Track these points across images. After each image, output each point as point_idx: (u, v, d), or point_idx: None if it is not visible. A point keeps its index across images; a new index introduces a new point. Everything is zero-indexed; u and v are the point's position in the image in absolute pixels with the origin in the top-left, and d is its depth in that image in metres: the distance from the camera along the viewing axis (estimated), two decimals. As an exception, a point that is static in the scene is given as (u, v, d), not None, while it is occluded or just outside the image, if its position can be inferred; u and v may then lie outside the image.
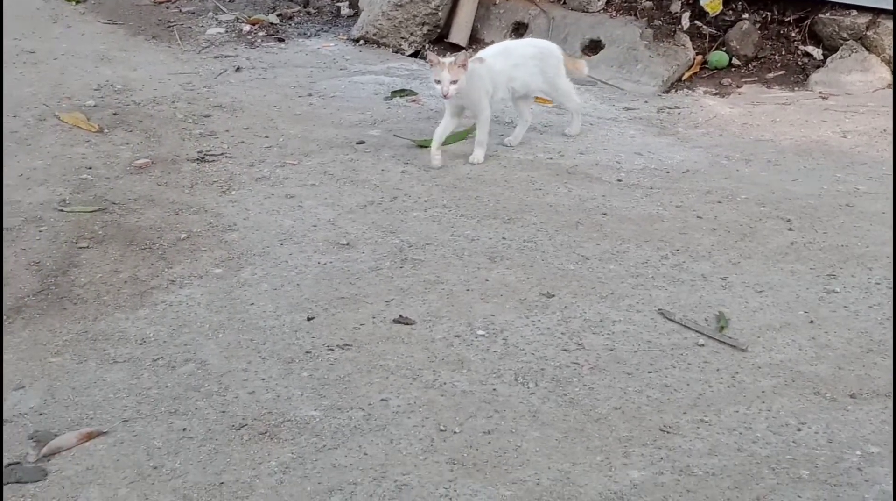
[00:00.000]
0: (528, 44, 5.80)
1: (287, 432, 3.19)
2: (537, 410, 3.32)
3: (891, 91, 6.82)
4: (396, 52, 7.91)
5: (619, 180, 5.31)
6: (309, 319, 3.85)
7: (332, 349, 3.65)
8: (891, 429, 3.21)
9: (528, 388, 3.44)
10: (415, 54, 7.89)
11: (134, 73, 7.08)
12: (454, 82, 5.01)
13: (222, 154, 5.57)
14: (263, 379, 3.47)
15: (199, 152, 5.59)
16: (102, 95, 6.54)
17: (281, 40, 8.12)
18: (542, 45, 5.74)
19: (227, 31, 8.29)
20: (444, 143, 5.61)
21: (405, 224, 4.70)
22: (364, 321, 3.85)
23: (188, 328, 3.79)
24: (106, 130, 5.89)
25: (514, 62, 5.46)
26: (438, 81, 5.04)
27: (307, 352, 3.63)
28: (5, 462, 3.04)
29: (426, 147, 5.62)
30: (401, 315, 3.88)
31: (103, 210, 4.79)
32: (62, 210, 4.75)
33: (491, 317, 3.88)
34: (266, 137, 5.88)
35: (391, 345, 3.69)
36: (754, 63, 7.48)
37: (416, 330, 3.79)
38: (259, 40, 8.10)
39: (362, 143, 5.77)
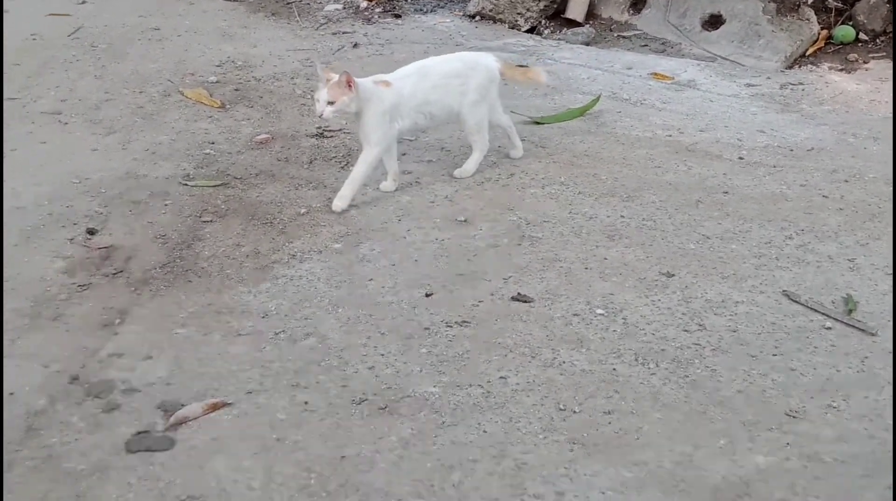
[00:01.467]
0: (454, 58, 4.86)
1: (407, 408, 3.21)
2: (658, 391, 3.28)
3: None
4: (512, 28, 7.87)
5: (741, 158, 5.20)
6: (427, 295, 3.86)
7: (451, 326, 3.66)
8: None
9: (649, 368, 3.40)
10: (531, 30, 7.83)
11: (254, 49, 7.18)
12: (331, 103, 4.33)
13: (340, 130, 5.61)
14: (383, 355, 3.49)
15: (317, 128, 5.64)
16: (224, 71, 6.65)
17: (397, 16, 8.14)
18: (470, 59, 4.82)
19: (344, 8, 8.35)
20: (558, 119, 5.57)
21: (523, 201, 4.67)
22: (482, 297, 3.85)
23: (309, 302, 3.83)
24: (228, 106, 5.99)
25: (432, 83, 4.64)
26: (317, 100, 4.42)
27: (426, 328, 3.65)
28: (135, 429, 3.12)
29: (542, 124, 5.59)
30: (519, 293, 3.86)
31: (226, 185, 4.87)
32: (186, 184, 4.85)
33: (610, 296, 3.85)
34: (384, 112, 5.89)
35: (509, 323, 3.68)
36: (882, 38, 7.24)
37: (535, 308, 3.77)
38: (376, 17, 8.14)
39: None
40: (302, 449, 3.02)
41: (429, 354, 3.49)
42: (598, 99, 5.95)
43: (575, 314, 3.73)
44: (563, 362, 3.44)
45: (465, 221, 4.47)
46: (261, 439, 3.07)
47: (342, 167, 5.08)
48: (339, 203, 4.52)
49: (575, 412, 3.18)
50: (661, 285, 3.92)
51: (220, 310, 3.80)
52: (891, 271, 3.99)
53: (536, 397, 3.25)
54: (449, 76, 4.67)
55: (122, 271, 4.10)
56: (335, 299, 3.85)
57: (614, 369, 3.40)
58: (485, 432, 3.09)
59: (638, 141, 5.44)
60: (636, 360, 3.45)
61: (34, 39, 7.30)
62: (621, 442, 3.04)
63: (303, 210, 4.60)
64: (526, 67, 5.17)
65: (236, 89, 6.29)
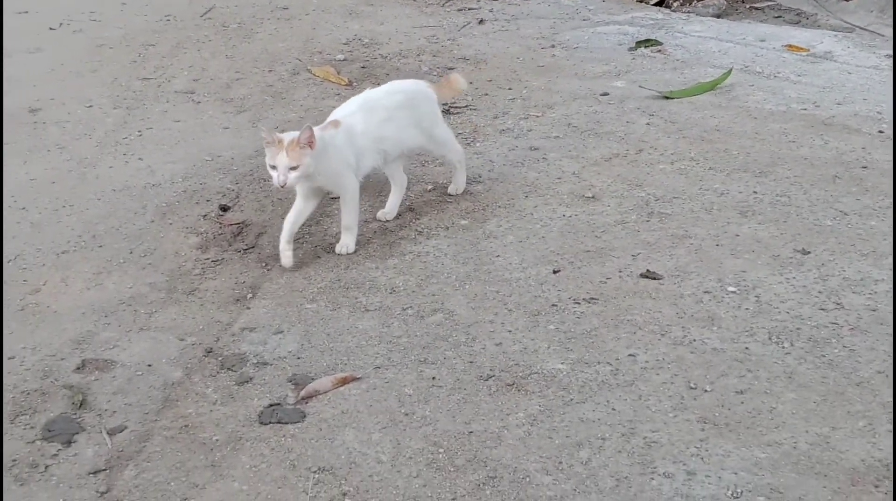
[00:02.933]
0: (392, 90, 4.32)
1: (534, 384, 3.19)
2: (793, 371, 3.19)
3: None
4: (640, 2, 7.77)
5: (881, 132, 5.01)
6: (554, 272, 3.83)
7: (579, 303, 3.62)
8: None
9: (783, 348, 3.31)
10: (659, 3, 7.71)
11: (381, 27, 7.22)
12: (294, 168, 3.73)
13: (466, 106, 5.61)
14: (510, 331, 3.48)
15: (443, 105, 5.60)
16: (351, 49, 6.72)
17: (523, -9, 8.10)
18: (409, 89, 4.36)
19: (469, -16, 8.33)
20: (687, 93, 5.46)
21: (651, 177, 4.59)
22: (610, 274, 3.80)
23: (436, 278, 3.84)
24: (355, 84, 6.04)
25: (381, 118, 4.14)
26: (273, 167, 3.75)
27: (553, 305, 3.62)
28: (267, 402, 3.17)
29: (672, 98, 5.49)
30: (648, 270, 3.80)
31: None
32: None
33: (742, 273, 3.75)
34: (509, 89, 5.88)
35: (638, 300, 3.63)
36: None
37: (664, 285, 3.71)
38: (501, -8, 8.10)
39: (606, 94, 5.68)
40: (430, 424, 3.03)
41: (556, 330, 3.46)
42: (729, 72, 5.81)
43: (706, 292, 3.65)
44: (694, 340, 3.37)
45: (592, 197, 4.41)
46: (389, 413, 3.09)
47: (468, 144, 5.07)
48: (347, 245, 4.08)
49: (706, 390, 3.11)
50: (795, 262, 3.81)
51: (348, 285, 3.83)
52: None
53: (666, 375, 3.20)
54: (395, 109, 4.18)
55: (253, 247, 4.18)
56: (462, 275, 3.85)
57: (747, 348, 3.32)
58: (613, 409, 3.05)
59: (771, 115, 5.29)
60: (770, 339, 3.36)
61: (168, 20, 7.49)
62: (754, 422, 2.97)
63: (429, 187, 4.61)
64: (445, 80, 4.65)
65: (363, 67, 6.34)
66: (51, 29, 7.38)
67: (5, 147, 5.24)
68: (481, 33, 7.02)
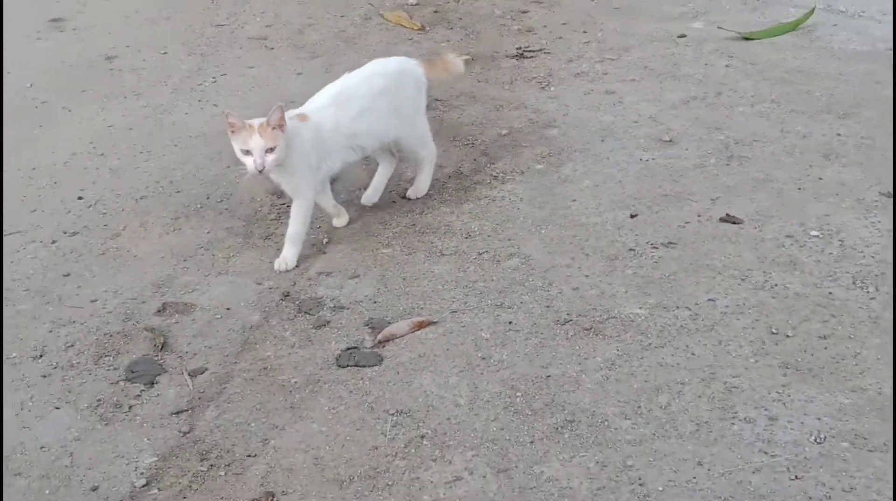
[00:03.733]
0: (372, 74, 3.86)
1: (612, 329, 3.16)
2: (878, 316, 3.12)
3: None
4: (718, -60, 7.53)
5: (970, 72, 4.85)
6: (632, 216, 3.78)
7: (657, 247, 3.57)
8: None
9: (868, 292, 3.24)
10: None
11: (452, -29, 7.13)
12: (270, 150, 3.43)
13: (541, 50, 5.54)
14: (587, 276, 3.45)
15: (517, 48, 5.58)
16: (423, -7, 6.65)
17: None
18: (392, 71, 3.90)
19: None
20: (768, 34, 5.32)
21: (731, 120, 4.50)
22: (689, 219, 3.74)
23: (511, 222, 3.82)
24: (427, 28, 5.99)
25: (358, 109, 3.73)
26: (247, 152, 3.45)
27: (630, 249, 3.58)
28: (344, 345, 3.19)
29: (752, 39, 5.36)
30: (728, 214, 3.74)
31: (427, 107, 4.87)
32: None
33: (825, 217, 3.67)
34: (584, 32, 5.79)
35: (718, 244, 3.57)
36: None
37: (744, 229, 3.64)
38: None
39: (684, 36, 5.56)
40: (507, 368, 3.02)
41: (634, 275, 3.43)
42: (812, 12, 5.64)
43: (788, 236, 3.58)
44: (776, 285, 3.31)
45: (670, 141, 4.34)
46: (466, 357, 3.09)
47: (542, 88, 5.02)
48: (283, 265, 3.67)
49: (788, 336, 3.06)
50: (881, 206, 3.72)
51: (423, 230, 3.82)
52: None
53: (747, 320, 3.15)
54: (375, 97, 3.78)
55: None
56: (538, 219, 3.82)
57: (830, 292, 3.25)
58: (693, 354, 3.01)
59: (855, 55, 5.15)
60: (854, 284, 3.29)
61: (240, -33, 7.47)
62: (838, 368, 2.91)
63: (504, 131, 4.57)
64: (440, 60, 4.18)
65: (435, 11, 6.28)
66: (125, -23, 7.41)
67: (85, 94, 5.30)
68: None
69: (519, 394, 2.90)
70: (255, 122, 3.44)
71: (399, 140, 3.93)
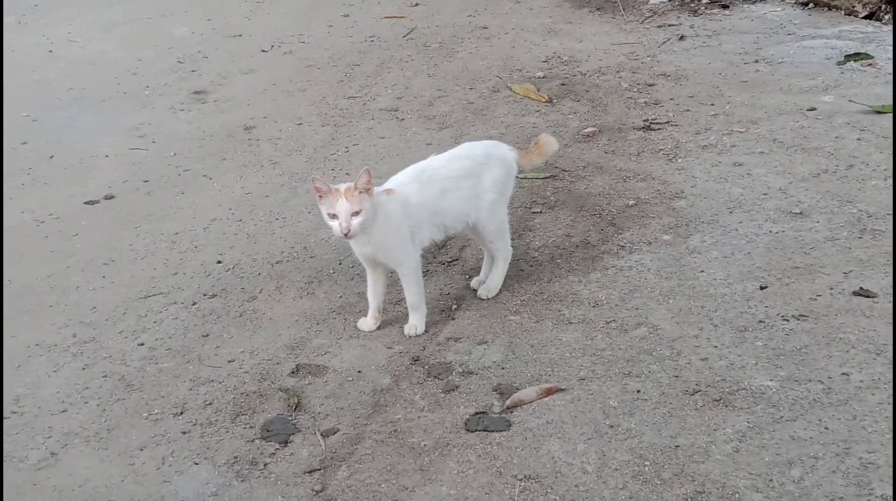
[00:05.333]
0: (457, 156, 3.84)
1: (742, 400, 3.14)
2: None
3: None
4: (849, 15, 7.48)
5: None
6: (762, 288, 3.76)
7: (787, 320, 3.54)
8: None
9: None
10: (869, 16, 7.41)
11: (579, 44, 7.24)
12: (356, 214, 3.43)
13: (668, 122, 5.57)
14: (716, 346, 3.44)
15: (644, 121, 5.62)
16: (550, 66, 6.76)
17: (725, 6, 7.96)
18: (479, 154, 3.85)
19: (669, 0, 8.26)
20: None
21: (863, 193, 4.45)
22: (821, 291, 3.70)
23: (639, 292, 3.83)
24: (554, 100, 6.09)
25: (440, 188, 3.71)
26: (333, 215, 3.46)
27: (760, 321, 3.55)
28: (473, 410, 3.24)
29: (884, 113, 5.30)
30: (861, 287, 3.68)
31: (554, 177, 4.95)
32: (517, 177, 4.96)
33: (963, 293, 3.60)
34: (711, 104, 5.80)
35: (851, 318, 3.52)
36: None
37: (879, 303, 3.59)
38: (702, 8, 7.99)
39: (813, 109, 5.52)
40: (635, 437, 3.02)
41: (764, 347, 3.40)
42: (946, 86, 5.56)
43: (924, 311, 3.52)
44: (912, 360, 3.25)
45: (800, 213, 4.31)
46: (594, 424, 3.10)
47: (669, 160, 5.04)
48: (413, 330, 3.74)
49: (926, 413, 3.00)
50: None
51: (550, 298, 3.87)
52: None
53: (883, 395, 3.09)
54: (457, 178, 3.75)
55: (456, 260, 4.27)
56: (665, 289, 3.83)
57: (971, 369, 3.18)
58: (826, 428, 2.97)
59: None
60: None
61: (372, 41, 7.72)
62: (979, 447, 2.84)
63: (631, 202, 4.60)
64: (535, 145, 4.07)
65: (563, 84, 6.37)
66: (263, 51, 7.72)
67: (224, 162, 5.53)
68: (682, 49, 6.94)
69: (647, 463, 2.90)
70: (342, 186, 3.45)
71: (477, 226, 3.84)
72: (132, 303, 4.11)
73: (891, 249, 3.94)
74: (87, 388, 3.54)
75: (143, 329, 3.90)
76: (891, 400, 3.06)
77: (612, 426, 3.08)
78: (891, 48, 6.49)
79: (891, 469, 2.78)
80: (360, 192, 3.44)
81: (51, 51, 8.07)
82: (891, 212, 4.23)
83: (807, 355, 3.33)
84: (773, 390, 3.17)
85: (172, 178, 5.40)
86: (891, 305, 3.57)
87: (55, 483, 3.06)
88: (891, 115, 5.32)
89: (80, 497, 2.99)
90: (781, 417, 3.04)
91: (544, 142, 4.05)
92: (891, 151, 4.85)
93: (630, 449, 2.97)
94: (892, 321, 3.46)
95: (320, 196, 3.49)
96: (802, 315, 3.56)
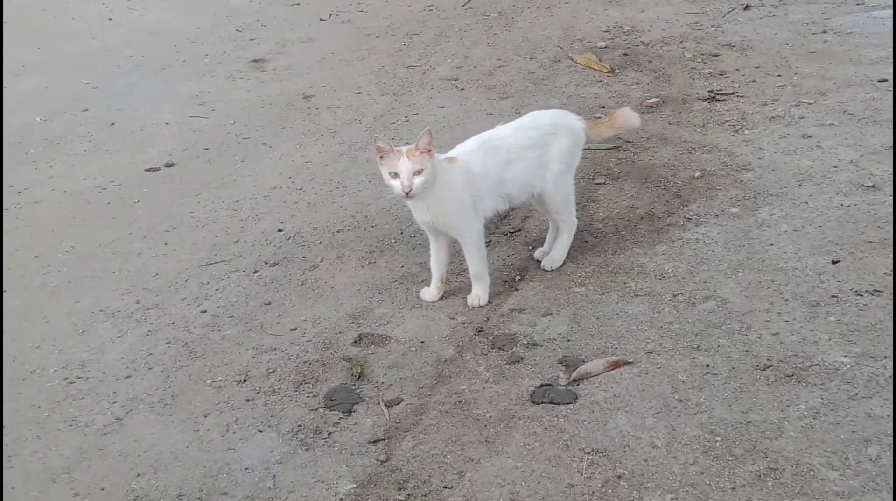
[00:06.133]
0: (524, 126, 3.75)
1: (815, 376, 3.06)
2: None
3: None
4: (920, -17, 7.29)
5: None
6: (834, 262, 3.67)
7: (861, 295, 3.45)
8: None
9: None
10: (942, -16, 7.22)
11: (641, 14, 7.13)
12: (418, 173, 3.41)
13: (733, 93, 5.46)
14: (787, 321, 3.36)
15: (709, 91, 5.52)
16: (612, 36, 6.67)
17: (790, -24, 7.80)
18: (546, 124, 3.76)
19: (733, -31, 8.10)
20: None
21: (939, 166, 4.33)
22: (895, 266, 3.61)
23: (706, 265, 3.76)
24: (617, 71, 6.00)
25: (506, 158, 3.65)
26: (395, 174, 3.44)
27: (833, 296, 3.47)
28: (538, 382, 3.19)
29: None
30: (938, 263, 3.59)
31: (618, 148, 4.87)
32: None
33: None
34: (778, 75, 5.68)
35: (928, 294, 3.43)
36: None
37: (956, 279, 3.49)
38: (767, -23, 7.83)
39: (884, 81, 5.39)
40: (705, 412, 2.96)
41: (837, 322, 3.32)
42: None
43: None
44: None
45: (872, 186, 4.20)
46: (662, 398, 3.04)
47: (735, 132, 4.94)
48: (476, 301, 3.70)
49: None
50: None
51: (616, 270, 3.81)
52: None
53: (962, 373, 3.01)
54: (523, 148, 3.68)
55: (519, 231, 4.22)
56: (734, 263, 3.75)
57: None
58: (903, 406, 2.90)
59: None
60: None
61: (430, 10, 7.66)
62: None
63: (697, 173, 4.52)
64: (607, 117, 4.04)
65: (625, 54, 6.28)
66: (321, 20, 7.69)
67: (284, 131, 5.51)
68: (747, 19, 6.81)
69: (718, 439, 2.84)
70: (404, 147, 3.44)
71: (543, 196, 3.76)
72: (194, 270, 4.11)
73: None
74: (150, 354, 3.55)
75: (206, 297, 3.90)
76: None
77: (681, 401, 3.03)
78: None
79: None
80: (422, 152, 3.42)
81: (110, 19, 8.11)
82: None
83: (882, 331, 3.24)
84: (848, 366, 3.09)
85: (232, 146, 5.39)
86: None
87: (121, 448, 3.06)
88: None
89: (145, 463, 2.99)
90: (856, 394, 2.96)
91: (622, 115, 3.95)
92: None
93: (700, 424, 2.91)
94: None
95: (381, 157, 3.47)
96: (877, 290, 3.47)
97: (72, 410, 3.27)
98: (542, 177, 3.72)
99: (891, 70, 5.52)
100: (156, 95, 6.25)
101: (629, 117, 3.96)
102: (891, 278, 3.53)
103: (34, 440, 3.14)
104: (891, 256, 3.66)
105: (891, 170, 4.32)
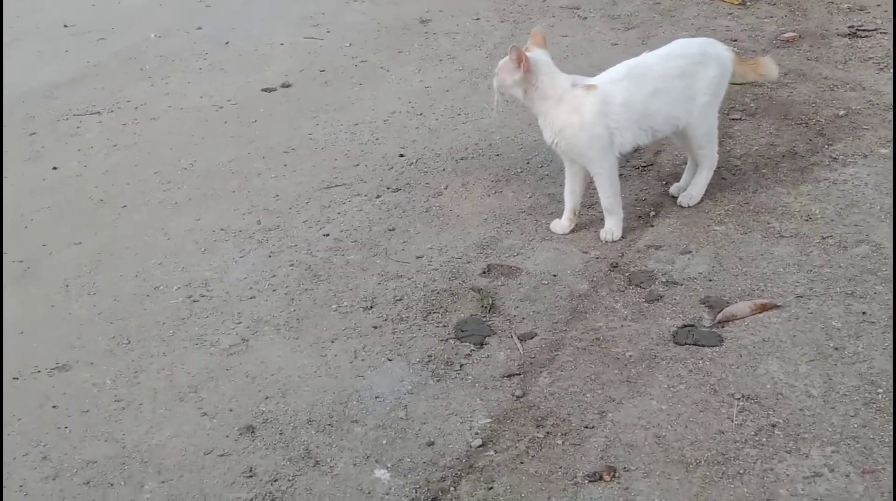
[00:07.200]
0: (672, 55, 3.55)
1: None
2: None
3: None
4: None
5: None
6: None
7: None
8: None
9: None
10: None
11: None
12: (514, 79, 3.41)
13: (876, 29, 5.16)
14: (952, 270, 3.14)
15: (849, 27, 5.22)
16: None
17: None
18: (695, 52, 3.55)
19: None
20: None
21: None
22: None
23: (856, 208, 3.54)
24: (748, 3, 5.71)
25: (652, 88, 3.44)
26: None
27: None
28: (681, 322, 3.03)
29: None
30: None
31: (754, 84, 4.62)
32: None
33: None
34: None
35: None
36: None
37: None
38: None
39: None
40: (864, 361, 2.78)
41: None
42: None
43: None
44: None
45: None
46: (816, 345, 2.86)
47: (880, 69, 4.66)
48: (609, 236, 3.55)
49: None
50: None
51: (757, 210, 3.60)
52: None
53: None
54: (671, 78, 3.47)
55: (651, 165, 4.04)
56: (887, 206, 3.52)
57: None
58: None
59: None
60: None
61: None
62: None
63: (841, 112, 4.26)
64: (756, 59, 3.82)
65: (758, -13, 5.98)
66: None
67: (401, 55, 5.37)
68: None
69: (880, 391, 2.66)
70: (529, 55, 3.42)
71: (687, 130, 3.56)
72: (315, 193, 4.01)
73: None
74: (274, 276, 3.46)
75: (328, 220, 3.79)
76: None
77: (836, 349, 2.84)
78: None
79: None
80: (513, 61, 3.39)
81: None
82: None
83: None
84: None
85: (349, 69, 5.26)
86: None
87: (248, 370, 2.99)
88: None
89: (273, 386, 2.91)
90: None
91: (766, 64, 3.74)
92: None
93: (859, 375, 2.73)
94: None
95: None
96: None
97: (196, 328, 3.21)
98: (688, 109, 3.50)
99: None
100: (269, 15, 6.14)
101: (771, 67, 3.74)
102: None
103: (160, 357, 3.08)
104: None
105: None
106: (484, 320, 3.15)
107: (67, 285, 3.52)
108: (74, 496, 2.58)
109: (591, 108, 3.38)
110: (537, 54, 3.44)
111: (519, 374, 2.90)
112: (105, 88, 5.23)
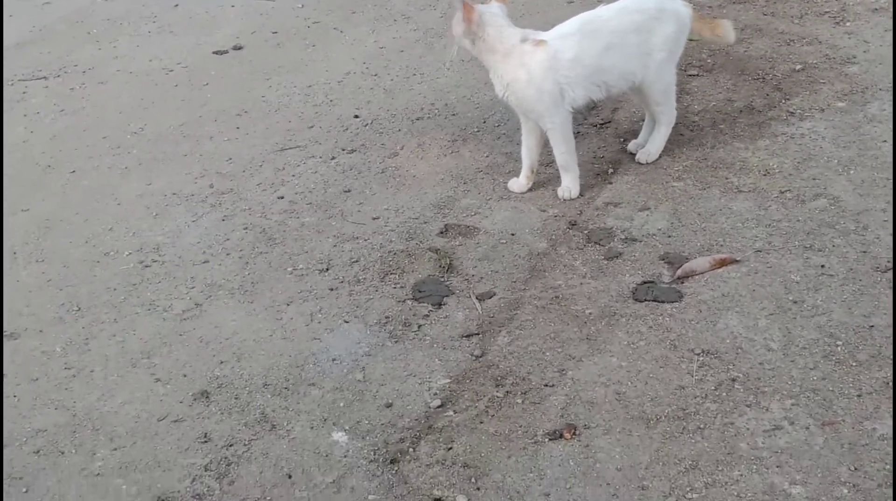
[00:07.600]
0: (629, 9, 3.44)
1: (942, 280, 2.86)
2: None
3: None
4: None
5: None
6: (953, 160, 3.43)
7: None
8: None
9: None
10: None
11: None
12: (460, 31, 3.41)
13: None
14: (906, 221, 3.14)
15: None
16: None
17: None
18: (653, 7, 3.45)
19: None
20: None
21: None
22: None
23: (814, 161, 3.52)
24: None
25: (605, 43, 3.38)
26: None
27: (955, 195, 3.24)
28: (640, 279, 3.01)
29: None
30: None
31: (710, 42, 4.58)
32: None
33: None
34: (880, -35, 5.34)
35: None
36: None
37: None
38: None
39: None
40: (823, 314, 2.76)
41: (963, 223, 3.09)
42: None
43: None
44: None
45: None
46: (775, 299, 2.85)
47: (836, 23, 4.64)
48: (567, 193, 3.50)
49: None
50: None
51: (716, 165, 3.58)
52: None
53: None
54: (626, 33, 3.40)
55: (609, 122, 4.01)
56: (844, 159, 3.51)
57: None
58: None
59: None
60: None
61: None
62: None
63: (798, 66, 4.24)
64: (714, 19, 3.74)
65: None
66: None
67: (355, 15, 5.29)
68: None
69: (839, 343, 2.65)
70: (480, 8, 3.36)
71: (643, 86, 3.51)
72: (268, 155, 3.94)
73: None
74: (227, 239, 3.40)
75: (282, 182, 3.73)
76: None
77: (795, 302, 2.83)
78: None
79: None
80: (462, 14, 3.35)
81: None
82: None
83: None
84: (977, 268, 2.88)
85: (302, 30, 5.18)
86: None
87: (201, 334, 2.94)
88: None
89: (227, 350, 2.86)
90: None
91: (724, 26, 3.68)
92: None
93: (818, 327, 2.72)
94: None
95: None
96: None
97: (149, 294, 3.15)
98: (643, 65, 3.45)
99: None
100: (220, -23, 6.03)
101: (729, 31, 3.68)
102: None
103: (111, 323, 3.02)
104: None
105: None
106: (442, 280, 3.11)
107: (15, 253, 3.44)
108: (24, 465, 2.52)
109: (539, 63, 3.33)
110: (490, 7, 3.37)
111: (478, 334, 2.86)
112: (51, 53, 5.13)
